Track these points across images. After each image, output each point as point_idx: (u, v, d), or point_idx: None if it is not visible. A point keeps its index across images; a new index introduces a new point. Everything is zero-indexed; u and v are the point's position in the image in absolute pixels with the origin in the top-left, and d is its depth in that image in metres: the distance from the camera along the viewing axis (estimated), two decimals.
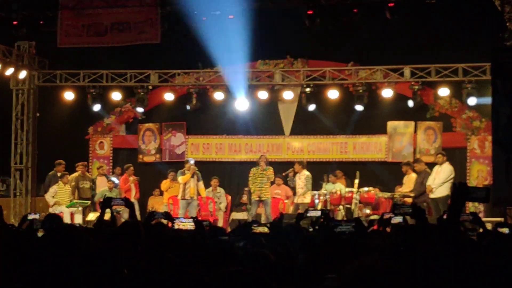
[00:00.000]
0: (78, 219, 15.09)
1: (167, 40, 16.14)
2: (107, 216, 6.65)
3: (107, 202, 6.23)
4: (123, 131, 18.80)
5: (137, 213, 15.18)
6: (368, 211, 15.21)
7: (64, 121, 17.75)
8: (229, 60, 16.93)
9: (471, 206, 14.77)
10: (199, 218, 9.46)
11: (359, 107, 16.75)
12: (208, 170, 17.38)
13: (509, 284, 3.54)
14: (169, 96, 17.69)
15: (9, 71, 16.96)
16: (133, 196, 16.56)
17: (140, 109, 17.89)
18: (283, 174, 15.91)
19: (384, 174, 16.97)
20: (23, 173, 17.80)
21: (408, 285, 2.44)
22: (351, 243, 4.60)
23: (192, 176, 15.36)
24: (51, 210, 15.46)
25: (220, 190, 16.87)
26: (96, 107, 17.72)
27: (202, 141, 18.20)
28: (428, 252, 3.52)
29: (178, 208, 15.60)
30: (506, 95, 10.88)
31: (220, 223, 16.18)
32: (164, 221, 7.17)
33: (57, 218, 6.40)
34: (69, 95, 17.75)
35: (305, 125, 17.58)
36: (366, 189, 15.28)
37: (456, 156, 16.34)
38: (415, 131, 16.94)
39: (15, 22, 15.94)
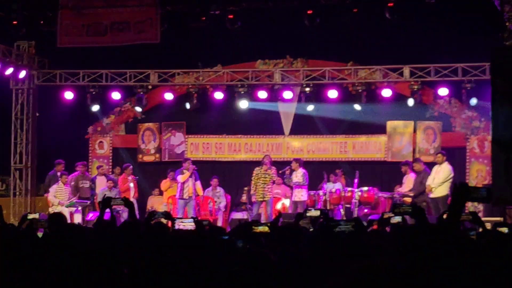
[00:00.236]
0: (78, 219, 15.09)
1: (166, 40, 16.15)
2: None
3: (106, 202, 6.23)
4: (122, 131, 18.81)
5: (136, 212, 15.25)
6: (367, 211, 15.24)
7: (64, 120, 17.73)
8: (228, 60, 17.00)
9: (470, 206, 14.77)
10: (199, 218, 9.47)
11: (358, 107, 16.76)
12: (207, 170, 17.40)
13: (508, 283, 3.55)
14: (168, 96, 17.69)
15: (9, 71, 16.97)
16: (132, 195, 16.57)
17: (138, 109, 17.91)
18: (280, 172, 15.92)
19: (384, 173, 16.99)
20: (23, 173, 17.81)
21: (409, 285, 2.45)
22: (351, 243, 4.61)
23: (191, 176, 15.38)
24: (50, 209, 15.47)
25: (220, 190, 16.89)
26: (94, 108, 17.72)
27: (201, 140, 18.21)
28: (428, 252, 3.53)
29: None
30: (505, 94, 10.87)
31: (220, 223, 16.20)
32: (164, 221, 7.18)
33: (62, 217, 6.40)
34: (68, 95, 17.75)
35: (304, 124, 17.58)
36: (365, 188, 15.30)
37: (455, 156, 16.35)
38: (415, 130, 16.95)
39: (15, 22, 15.93)
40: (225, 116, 17.90)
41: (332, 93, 16.78)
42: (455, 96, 16.42)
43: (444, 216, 6.23)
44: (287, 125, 17.68)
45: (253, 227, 5.56)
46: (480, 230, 6.62)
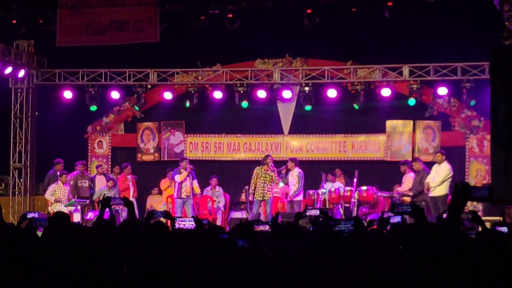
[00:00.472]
0: (77, 218, 15.09)
1: (166, 39, 16.14)
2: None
3: (106, 202, 6.23)
4: (122, 130, 18.81)
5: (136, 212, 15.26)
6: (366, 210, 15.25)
7: (63, 120, 17.73)
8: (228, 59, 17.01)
9: (469, 205, 14.77)
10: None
11: (357, 106, 16.77)
12: (206, 169, 17.41)
13: (508, 282, 3.55)
14: (168, 95, 17.69)
15: (8, 70, 16.96)
16: (131, 195, 16.58)
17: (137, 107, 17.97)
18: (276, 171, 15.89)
19: (383, 173, 17.00)
20: (22, 172, 17.80)
21: (409, 284, 2.45)
22: (351, 242, 4.61)
23: (188, 175, 15.39)
24: (50, 209, 15.48)
25: (219, 189, 16.89)
26: (93, 109, 17.73)
27: (201, 140, 18.20)
28: (428, 251, 3.53)
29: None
30: (505, 94, 10.87)
31: (219, 222, 16.20)
32: (163, 220, 7.18)
33: (66, 217, 6.39)
34: (68, 94, 17.75)
35: (304, 124, 17.58)
36: (364, 188, 15.31)
37: (455, 155, 16.36)
38: (414, 130, 16.95)
39: (14, 21, 15.91)
40: (224, 115, 17.90)
41: (331, 93, 16.78)
42: (455, 96, 16.43)
43: (444, 216, 6.24)
44: (286, 125, 17.68)
45: (255, 226, 5.57)
46: (480, 229, 6.62)
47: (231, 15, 15.54)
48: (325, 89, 16.87)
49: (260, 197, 15.03)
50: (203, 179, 16.62)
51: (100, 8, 16.05)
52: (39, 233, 5.66)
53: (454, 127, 16.80)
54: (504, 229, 6.22)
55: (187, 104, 17.43)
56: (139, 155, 18.39)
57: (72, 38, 16.27)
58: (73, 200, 15.60)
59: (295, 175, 15.51)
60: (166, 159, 18.16)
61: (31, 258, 4.38)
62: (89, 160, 18.35)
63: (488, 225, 7.66)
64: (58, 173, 16.03)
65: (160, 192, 17.23)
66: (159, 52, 17.11)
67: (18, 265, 4.27)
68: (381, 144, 17.17)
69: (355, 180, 15.63)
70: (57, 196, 15.54)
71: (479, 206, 14.59)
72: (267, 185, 15.01)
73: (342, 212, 15.41)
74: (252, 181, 15.13)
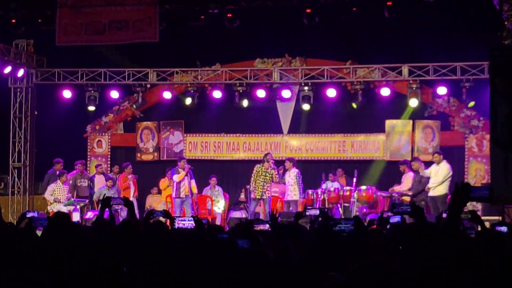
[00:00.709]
0: (76, 218, 15.09)
1: (165, 39, 16.14)
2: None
3: (106, 202, 6.23)
4: (121, 130, 18.80)
5: (135, 211, 15.26)
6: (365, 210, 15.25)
7: (62, 119, 17.72)
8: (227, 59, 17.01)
9: (468, 205, 14.77)
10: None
11: (356, 106, 16.76)
12: (206, 169, 17.41)
13: (507, 282, 3.55)
14: (167, 95, 17.68)
15: (7, 70, 16.96)
16: (132, 194, 16.58)
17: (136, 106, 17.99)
18: None
19: (382, 172, 17.00)
20: (21, 171, 17.79)
21: (408, 284, 2.45)
22: (351, 241, 4.61)
23: (186, 175, 15.40)
24: (49, 208, 15.48)
25: (218, 189, 16.89)
26: (91, 108, 17.73)
27: (200, 139, 18.20)
28: (427, 251, 3.53)
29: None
30: (504, 93, 10.88)
31: (218, 222, 16.20)
32: (163, 220, 7.18)
33: (66, 217, 6.39)
34: (67, 93, 17.75)
35: (303, 123, 17.58)
36: (364, 187, 15.31)
37: (454, 155, 16.36)
38: (413, 129, 16.95)
39: (13, 20, 15.91)
40: (223, 115, 17.89)
41: (331, 92, 16.78)
42: (454, 95, 16.42)
43: (444, 215, 6.24)
44: (285, 124, 17.68)
45: (255, 225, 5.56)
46: (479, 229, 6.62)
47: (230, 15, 15.54)
48: (324, 88, 16.87)
49: (259, 195, 15.03)
50: (202, 178, 16.62)
51: (99, 8, 16.04)
52: (39, 233, 5.66)
53: (453, 127, 16.80)
54: (504, 228, 6.23)
55: (189, 100, 17.38)
56: (139, 155, 18.38)
57: (71, 38, 16.26)
58: (73, 199, 15.60)
59: (293, 175, 15.51)
60: (165, 158, 18.15)
61: (31, 258, 4.38)
62: (89, 159, 18.35)
63: (487, 224, 7.66)
64: (58, 172, 16.03)
65: (160, 192, 17.23)
66: (158, 52, 17.11)
67: (17, 264, 4.26)
68: (381, 143, 17.17)
69: (354, 180, 15.63)
70: (57, 196, 15.54)
71: (478, 206, 14.59)
72: (266, 184, 15.01)
73: (341, 211, 15.41)
74: (252, 179, 15.12)
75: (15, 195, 17.74)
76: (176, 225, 6.16)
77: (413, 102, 16.29)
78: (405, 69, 16.41)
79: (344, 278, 2.31)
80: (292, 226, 6.21)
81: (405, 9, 14.80)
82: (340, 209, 15.45)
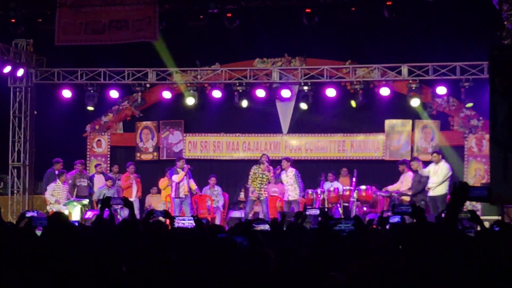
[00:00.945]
0: (76, 217, 15.09)
1: (165, 38, 16.13)
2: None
3: (106, 202, 6.23)
4: (120, 129, 18.80)
5: (137, 211, 15.27)
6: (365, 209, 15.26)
7: (62, 119, 17.73)
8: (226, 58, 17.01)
9: (468, 205, 14.78)
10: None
11: (355, 106, 16.76)
12: (205, 168, 17.41)
13: (506, 281, 3.55)
14: (166, 94, 17.68)
15: (7, 69, 16.96)
16: (134, 194, 16.59)
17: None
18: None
19: (382, 172, 17.00)
20: (21, 171, 17.79)
21: (408, 284, 2.45)
22: (351, 241, 4.61)
23: (185, 175, 15.40)
24: (48, 208, 15.47)
25: (218, 188, 16.88)
26: (90, 108, 17.73)
27: (200, 139, 18.19)
28: (427, 250, 3.53)
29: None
30: (504, 93, 10.87)
31: (218, 221, 16.19)
32: (162, 219, 7.17)
33: (63, 217, 6.38)
34: (66, 93, 17.75)
35: (303, 123, 17.58)
36: (363, 187, 15.30)
37: (453, 154, 16.36)
38: (413, 129, 16.95)
39: (13, 20, 15.92)
40: (223, 114, 17.89)
41: (330, 92, 16.78)
42: (453, 95, 16.42)
43: (443, 215, 6.23)
44: (285, 124, 17.68)
45: (254, 225, 5.56)
46: (479, 228, 6.62)
47: (230, 15, 15.55)
48: (324, 88, 16.87)
49: (255, 197, 15.08)
50: (202, 178, 16.61)
51: (99, 7, 16.03)
52: (38, 232, 5.66)
53: (453, 127, 16.80)
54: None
55: (192, 101, 17.36)
56: (138, 154, 18.38)
57: (71, 37, 16.25)
58: (72, 199, 15.60)
59: (291, 175, 15.51)
60: (165, 158, 18.15)
61: (30, 258, 4.38)
62: (88, 159, 18.34)
63: (487, 224, 7.67)
64: (57, 172, 16.03)
65: (159, 191, 17.21)
66: (158, 51, 17.09)
67: (17, 264, 4.26)
68: (380, 143, 17.17)
69: (354, 179, 15.63)
70: (56, 195, 15.54)
71: (477, 206, 14.60)
72: (263, 185, 15.05)
73: (341, 211, 15.41)
74: (250, 180, 15.15)
75: (15, 194, 17.74)
76: (176, 224, 6.16)
77: (415, 102, 16.32)
78: (404, 69, 16.41)
79: (344, 278, 2.31)
80: (292, 226, 6.21)
81: (404, 8, 14.81)
82: (339, 209, 15.45)
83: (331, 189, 15.49)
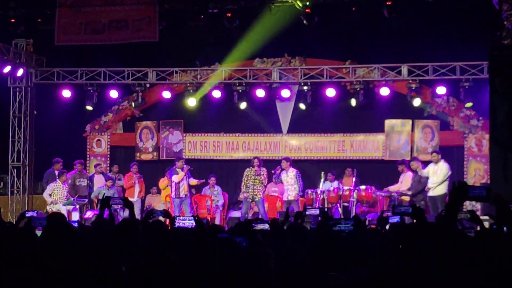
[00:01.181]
0: (76, 217, 15.09)
1: (165, 38, 16.13)
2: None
3: (106, 202, 6.23)
4: (120, 129, 18.80)
5: (138, 211, 15.28)
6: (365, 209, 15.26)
7: (62, 118, 17.73)
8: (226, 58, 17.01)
9: (468, 204, 14.77)
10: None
11: (355, 105, 16.76)
12: (205, 168, 17.41)
13: (506, 281, 3.55)
14: (166, 94, 17.68)
15: (7, 69, 16.96)
16: (136, 194, 16.59)
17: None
18: (272, 171, 15.88)
19: (382, 172, 17.00)
20: (21, 171, 17.79)
21: (407, 283, 2.45)
22: (351, 241, 4.61)
23: (185, 175, 15.41)
24: (48, 208, 15.48)
25: (217, 188, 16.89)
26: (90, 108, 17.73)
27: (199, 139, 18.19)
28: (426, 250, 3.53)
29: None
30: (504, 93, 10.87)
31: (217, 221, 16.20)
32: (162, 219, 7.17)
33: (61, 217, 6.38)
34: (66, 93, 17.75)
35: (302, 123, 17.58)
36: (363, 187, 15.30)
37: (453, 154, 16.36)
38: (413, 129, 16.96)
39: (12, 20, 15.92)
40: (223, 114, 17.89)
41: (330, 92, 16.78)
42: (453, 95, 16.43)
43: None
44: (285, 124, 17.68)
45: (254, 224, 5.56)
46: (478, 228, 6.62)
47: (230, 15, 15.54)
48: (324, 88, 16.88)
49: (250, 198, 15.11)
50: (201, 178, 16.59)
51: (99, 7, 16.04)
52: (38, 232, 5.66)
53: (452, 127, 16.80)
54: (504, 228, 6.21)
55: (193, 102, 17.37)
56: (138, 154, 18.38)
57: (71, 37, 16.25)
58: (72, 199, 15.60)
59: (292, 175, 15.51)
60: (164, 158, 18.15)
61: (30, 257, 4.38)
62: (88, 159, 18.34)
63: (486, 224, 7.66)
64: (57, 172, 16.03)
65: (159, 191, 17.22)
66: (158, 51, 17.10)
67: (16, 264, 4.26)
68: (380, 143, 17.18)
69: (353, 179, 15.63)
70: (55, 195, 15.53)
71: (477, 206, 14.60)
72: (257, 186, 15.08)
73: (340, 211, 15.41)
74: (243, 183, 15.23)
75: (15, 194, 17.74)
76: (177, 224, 6.16)
77: (417, 102, 16.33)
78: (404, 69, 16.41)
79: (344, 278, 2.31)
80: (292, 225, 6.21)
81: (404, 8, 14.81)
82: (339, 209, 15.44)
83: (331, 189, 15.49)
